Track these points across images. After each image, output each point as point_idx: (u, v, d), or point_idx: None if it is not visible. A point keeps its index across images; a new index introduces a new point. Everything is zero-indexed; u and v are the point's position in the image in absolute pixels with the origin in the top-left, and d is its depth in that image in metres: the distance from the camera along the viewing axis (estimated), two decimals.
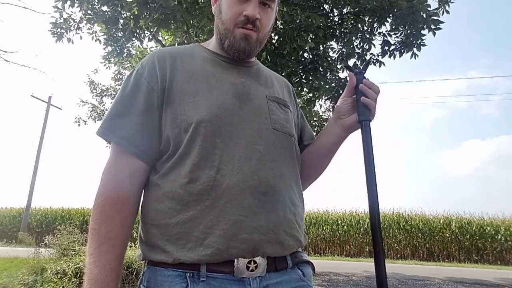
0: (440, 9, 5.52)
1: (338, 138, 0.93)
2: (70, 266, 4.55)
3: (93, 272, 0.68)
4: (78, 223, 12.89)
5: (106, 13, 5.44)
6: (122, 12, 5.38)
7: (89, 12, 5.64)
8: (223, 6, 0.84)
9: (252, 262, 0.71)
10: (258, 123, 0.81)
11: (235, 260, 0.70)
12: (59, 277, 4.42)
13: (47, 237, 5.86)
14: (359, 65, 6.51)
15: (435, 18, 5.28)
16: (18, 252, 7.73)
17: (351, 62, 6.64)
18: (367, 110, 0.86)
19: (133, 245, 5.71)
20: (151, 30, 5.39)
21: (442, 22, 5.34)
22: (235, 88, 0.82)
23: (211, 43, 0.93)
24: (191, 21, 5.28)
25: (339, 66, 6.60)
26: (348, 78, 0.91)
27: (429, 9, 5.27)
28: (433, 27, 5.33)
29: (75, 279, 4.35)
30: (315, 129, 8.62)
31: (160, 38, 6.99)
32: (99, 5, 5.40)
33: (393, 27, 5.85)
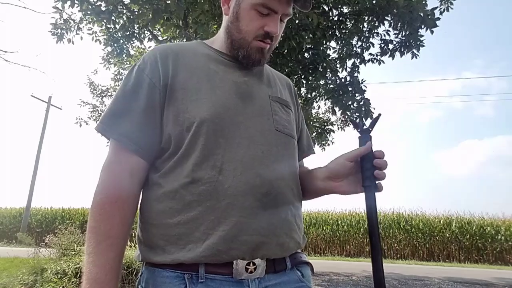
0: (442, 6, 5.56)
1: (322, 192, 0.87)
2: (70, 266, 4.55)
3: (92, 271, 0.67)
4: (78, 223, 12.91)
5: (102, 7, 5.43)
6: (117, 7, 5.38)
7: (88, 12, 5.65)
8: (243, 16, 0.81)
9: (251, 264, 0.71)
10: (261, 123, 0.80)
11: (234, 261, 0.70)
12: (59, 277, 4.41)
13: (47, 237, 5.86)
14: (358, 63, 6.51)
15: (432, 17, 5.34)
16: (18, 252, 7.74)
17: (350, 62, 6.65)
18: (374, 180, 0.77)
19: (133, 245, 5.71)
20: (144, 24, 5.37)
21: (438, 19, 5.38)
22: (238, 87, 0.81)
23: (215, 41, 0.91)
24: (190, 20, 5.28)
25: (338, 66, 6.62)
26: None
27: (426, 8, 5.31)
28: (431, 25, 5.38)
29: (75, 279, 4.35)
30: (315, 130, 8.63)
31: (160, 38, 7.00)
32: (96, 1, 5.39)
33: (393, 26, 5.87)
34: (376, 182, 0.77)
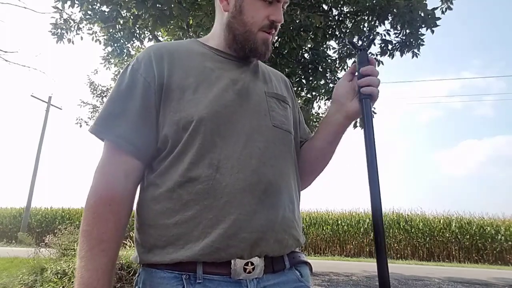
0: (443, 5, 5.57)
1: (341, 126, 0.90)
2: (70, 266, 4.54)
3: (84, 276, 0.66)
4: (78, 223, 12.87)
5: (106, 13, 5.45)
6: (121, 12, 5.38)
7: (89, 12, 5.65)
8: (247, 9, 0.81)
9: (249, 264, 0.70)
10: (258, 120, 0.79)
11: (232, 261, 0.69)
12: (59, 277, 4.41)
13: (47, 237, 5.85)
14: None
15: (432, 16, 5.34)
16: (18, 252, 7.75)
17: (350, 62, 6.65)
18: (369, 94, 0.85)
19: (132, 245, 5.70)
20: (149, 28, 5.39)
21: (439, 19, 5.39)
22: (235, 84, 0.81)
23: (210, 39, 0.90)
24: (191, 20, 5.28)
25: (338, 66, 6.62)
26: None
27: (427, 8, 5.32)
28: (431, 25, 5.38)
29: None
30: (315, 129, 8.62)
31: (160, 38, 7.00)
32: (99, 5, 5.40)
33: (393, 25, 5.87)
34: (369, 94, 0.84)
